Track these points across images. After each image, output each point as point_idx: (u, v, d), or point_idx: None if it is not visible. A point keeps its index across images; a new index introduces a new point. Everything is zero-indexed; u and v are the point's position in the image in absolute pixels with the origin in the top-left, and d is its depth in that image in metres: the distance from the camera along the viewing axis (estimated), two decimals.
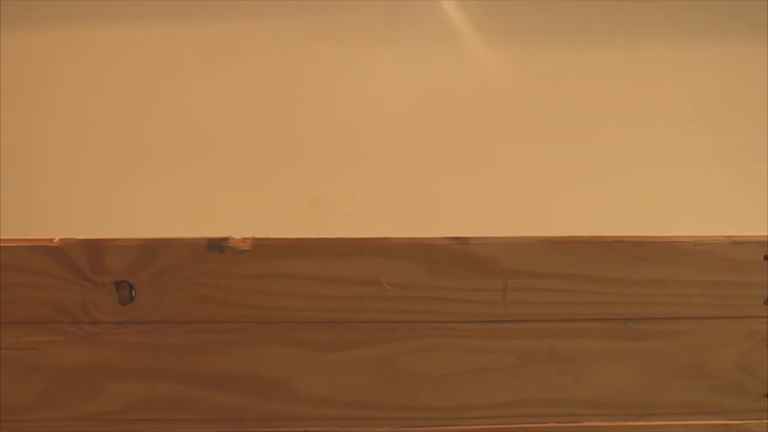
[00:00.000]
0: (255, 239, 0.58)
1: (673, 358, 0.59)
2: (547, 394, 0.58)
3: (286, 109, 1.66)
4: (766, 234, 0.60)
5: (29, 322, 0.57)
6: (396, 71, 1.69)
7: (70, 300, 0.57)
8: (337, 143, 1.62)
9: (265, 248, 0.57)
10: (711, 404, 0.59)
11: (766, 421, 0.59)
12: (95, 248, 0.57)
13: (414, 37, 1.71)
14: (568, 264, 0.58)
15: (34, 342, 0.57)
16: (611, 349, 0.59)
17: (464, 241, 0.57)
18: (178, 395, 0.57)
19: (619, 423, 0.59)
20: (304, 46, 1.68)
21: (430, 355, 0.58)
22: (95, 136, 1.65)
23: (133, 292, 0.57)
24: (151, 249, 0.57)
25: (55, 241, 0.57)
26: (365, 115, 1.66)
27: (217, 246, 0.57)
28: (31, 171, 1.62)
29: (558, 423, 0.58)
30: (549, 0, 1.67)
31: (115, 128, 1.65)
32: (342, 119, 1.67)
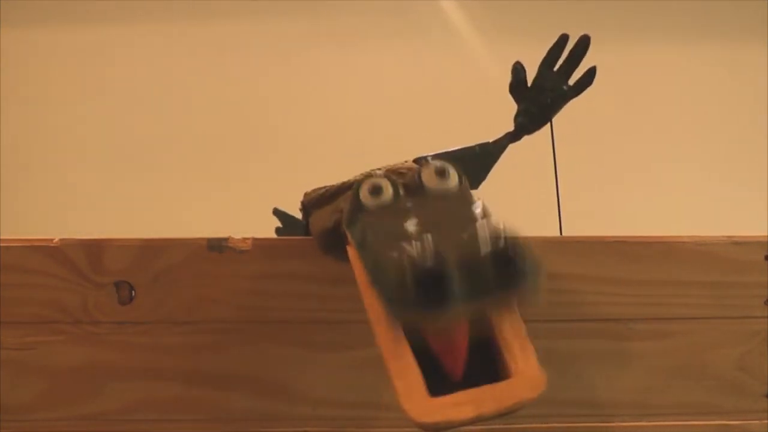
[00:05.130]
0: (255, 239, 0.58)
1: (673, 359, 0.59)
2: (547, 394, 0.58)
3: (286, 109, 1.66)
4: (766, 234, 0.60)
5: (29, 322, 0.57)
6: (395, 72, 1.69)
7: (70, 300, 0.57)
8: (337, 143, 1.62)
9: (265, 248, 0.58)
10: (711, 404, 0.59)
11: (766, 421, 0.59)
12: (95, 248, 0.57)
13: (413, 37, 1.71)
14: (568, 264, 0.58)
15: (34, 342, 0.57)
16: (611, 349, 0.59)
17: None
18: (178, 395, 0.57)
19: (618, 423, 0.59)
20: (304, 47, 1.68)
21: None
22: (95, 136, 1.65)
23: (133, 292, 0.57)
24: (151, 249, 0.57)
25: (55, 241, 0.57)
26: (365, 115, 1.66)
27: (217, 246, 0.57)
28: (31, 171, 1.62)
29: (558, 423, 0.58)
30: (549, 0, 1.67)
31: (114, 128, 1.66)
32: (342, 119, 1.67)
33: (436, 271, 0.42)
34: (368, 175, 0.50)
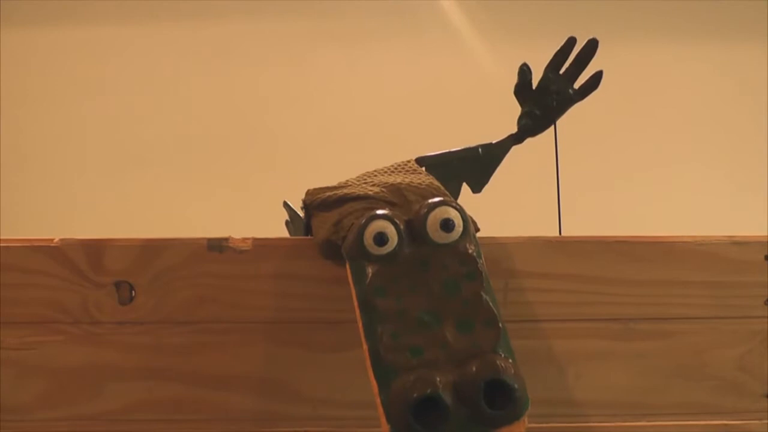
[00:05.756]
0: (255, 239, 0.58)
1: (673, 359, 0.59)
2: (547, 394, 0.58)
3: (287, 109, 1.66)
4: (766, 234, 0.60)
5: (29, 322, 0.57)
6: (396, 72, 1.69)
7: (70, 300, 0.57)
8: (338, 143, 1.62)
9: (265, 248, 0.57)
10: (711, 404, 0.59)
11: (766, 421, 0.59)
12: (95, 248, 0.57)
13: (414, 38, 1.71)
14: (569, 264, 0.58)
15: (34, 342, 0.57)
16: (611, 349, 0.59)
17: None
18: (178, 395, 0.57)
19: (619, 423, 0.59)
20: (305, 47, 1.68)
21: None
22: (95, 136, 1.65)
23: (133, 292, 0.57)
24: (151, 249, 0.57)
25: (55, 241, 0.57)
26: (366, 115, 1.66)
27: (217, 246, 0.57)
28: (31, 171, 1.62)
29: (558, 423, 0.58)
30: (549, 0, 1.67)
31: (114, 128, 1.66)
32: (342, 120, 1.67)
33: (435, 401, 0.46)
34: (374, 215, 0.50)
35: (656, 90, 1.68)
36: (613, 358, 0.59)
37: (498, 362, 0.47)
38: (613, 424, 0.59)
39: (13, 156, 1.61)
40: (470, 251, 0.50)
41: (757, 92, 1.66)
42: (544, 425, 0.58)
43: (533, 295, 0.58)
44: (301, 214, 0.61)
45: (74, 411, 0.57)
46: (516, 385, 0.47)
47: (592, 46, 0.65)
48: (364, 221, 0.50)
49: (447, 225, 0.50)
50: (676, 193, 1.63)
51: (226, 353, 0.58)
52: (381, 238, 0.50)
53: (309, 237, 0.58)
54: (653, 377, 0.59)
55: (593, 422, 0.59)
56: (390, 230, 0.50)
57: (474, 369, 0.47)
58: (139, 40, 1.67)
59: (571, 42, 0.65)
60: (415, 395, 0.46)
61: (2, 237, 0.57)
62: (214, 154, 1.63)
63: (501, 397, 0.47)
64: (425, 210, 0.51)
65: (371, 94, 1.66)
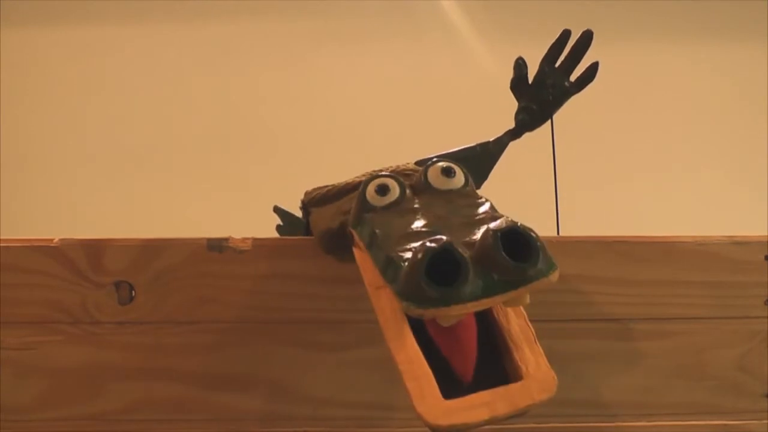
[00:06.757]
0: (255, 239, 0.58)
1: (673, 359, 0.59)
2: None
3: (286, 109, 1.66)
4: (766, 234, 0.60)
5: (29, 322, 0.57)
6: (396, 72, 1.69)
7: (70, 300, 0.57)
8: (338, 143, 1.62)
9: (265, 248, 0.58)
10: (711, 404, 0.59)
11: (766, 421, 0.59)
12: (95, 248, 0.57)
13: (414, 38, 1.71)
14: (569, 264, 0.58)
15: (34, 342, 0.57)
16: (611, 349, 0.59)
17: None
18: (178, 395, 0.57)
19: (619, 423, 0.59)
20: (304, 47, 1.68)
21: None
22: (95, 136, 1.65)
23: (132, 292, 0.57)
24: (151, 249, 0.57)
25: (54, 241, 0.57)
26: (366, 115, 1.66)
27: (217, 246, 0.57)
28: (31, 171, 1.62)
29: (558, 423, 0.58)
30: (549, 0, 1.67)
31: (114, 128, 1.66)
32: (342, 119, 1.67)
33: (448, 262, 0.41)
34: (374, 176, 0.50)
35: (656, 89, 1.68)
36: (613, 358, 0.59)
37: (512, 220, 0.44)
38: (613, 424, 0.59)
39: (13, 156, 1.61)
40: (474, 195, 0.49)
41: (757, 92, 1.66)
42: (544, 425, 0.58)
43: (533, 295, 0.58)
44: (300, 214, 0.61)
45: (74, 411, 0.57)
46: (536, 237, 0.43)
47: (587, 38, 0.65)
48: (365, 181, 0.50)
49: (448, 171, 0.50)
50: (676, 192, 1.63)
51: (226, 353, 0.58)
52: (382, 189, 0.50)
53: (309, 237, 0.58)
54: (653, 377, 0.59)
55: (593, 422, 0.59)
56: (391, 183, 0.50)
57: (488, 226, 0.43)
58: (139, 40, 1.67)
59: (565, 34, 0.65)
60: (426, 253, 0.42)
61: (2, 237, 0.57)
62: (214, 154, 1.63)
63: (521, 253, 0.42)
64: (427, 166, 0.51)
65: (371, 94, 1.66)
